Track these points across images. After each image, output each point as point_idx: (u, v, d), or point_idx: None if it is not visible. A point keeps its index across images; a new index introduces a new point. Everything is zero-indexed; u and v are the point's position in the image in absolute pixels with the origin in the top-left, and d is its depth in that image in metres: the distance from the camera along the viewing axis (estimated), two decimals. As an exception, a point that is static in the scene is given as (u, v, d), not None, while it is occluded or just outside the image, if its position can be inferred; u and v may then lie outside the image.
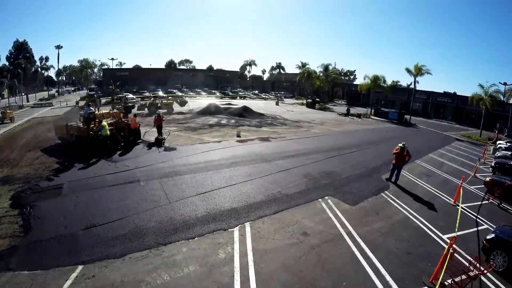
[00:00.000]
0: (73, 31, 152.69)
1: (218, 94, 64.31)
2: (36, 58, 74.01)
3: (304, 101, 58.75)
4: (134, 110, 30.37)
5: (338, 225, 8.95)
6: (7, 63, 62.79)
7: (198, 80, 78.59)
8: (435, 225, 9.53)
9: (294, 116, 37.17)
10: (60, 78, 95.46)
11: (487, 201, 12.50)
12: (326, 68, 67.65)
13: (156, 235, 7.74)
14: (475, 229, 9.72)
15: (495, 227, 9.03)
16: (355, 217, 9.66)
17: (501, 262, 7.33)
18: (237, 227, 8.46)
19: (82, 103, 36.09)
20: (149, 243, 7.36)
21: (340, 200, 10.87)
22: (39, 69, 75.51)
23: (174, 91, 61.76)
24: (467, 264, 6.79)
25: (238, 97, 61.85)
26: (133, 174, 12.02)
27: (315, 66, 78.92)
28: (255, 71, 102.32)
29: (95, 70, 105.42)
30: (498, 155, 22.41)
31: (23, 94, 56.41)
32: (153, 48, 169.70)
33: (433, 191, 12.99)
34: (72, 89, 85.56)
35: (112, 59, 76.09)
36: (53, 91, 74.99)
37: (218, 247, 7.39)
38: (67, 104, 43.99)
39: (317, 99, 56.33)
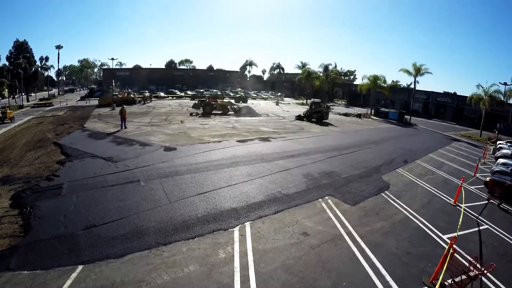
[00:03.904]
0: (73, 31, 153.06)
1: (219, 93, 64.37)
2: (36, 58, 74.21)
3: (304, 101, 58.72)
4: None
5: (338, 225, 8.95)
6: (7, 63, 62.79)
7: (198, 79, 78.73)
8: (435, 225, 9.53)
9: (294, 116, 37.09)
10: (60, 78, 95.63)
11: (487, 201, 12.49)
12: (326, 68, 67.57)
13: (156, 235, 7.74)
14: (476, 229, 9.71)
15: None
16: (355, 217, 9.66)
17: None
18: (237, 227, 8.46)
19: None
20: (149, 243, 7.36)
21: (340, 200, 10.87)
22: (39, 69, 75.60)
23: (175, 91, 61.76)
24: (467, 264, 6.78)
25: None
26: (133, 174, 12.02)
27: (315, 66, 78.98)
28: (255, 71, 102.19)
29: (95, 70, 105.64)
30: (498, 155, 22.37)
31: (23, 94, 56.43)
32: (153, 48, 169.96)
33: (433, 191, 12.98)
34: (66, 89, 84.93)
35: (112, 59, 75.54)
36: (53, 90, 75.09)
37: (218, 247, 7.39)
38: (67, 104, 43.97)
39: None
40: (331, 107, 55.48)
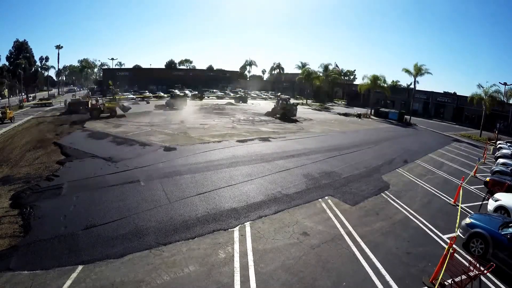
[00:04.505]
0: (73, 31, 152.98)
1: (219, 93, 64.49)
2: (36, 58, 74.13)
3: (304, 101, 58.71)
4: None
5: (338, 225, 8.95)
6: (7, 63, 62.81)
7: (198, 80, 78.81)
8: (435, 225, 9.53)
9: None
10: (60, 78, 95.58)
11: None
12: (326, 68, 67.53)
13: (156, 235, 7.74)
14: (475, 229, 9.70)
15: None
16: (355, 217, 9.66)
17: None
18: (237, 227, 8.46)
19: None
20: (149, 243, 7.36)
21: (340, 200, 10.87)
22: (39, 69, 75.58)
23: (175, 90, 61.69)
24: (467, 264, 6.78)
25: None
26: (133, 174, 12.01)
27: (315, 66, 78.97)
28: (255, 71, 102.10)
29: (95, 70, 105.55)
30: (498, 155, 22.38)
31: (23, 94, 56.44)
32: (153, 48, 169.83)
33: (433, 191, 12.98)
34: (66, 89, 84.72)
35: (112, 59, 75.94)
36: (53, 91, 75.09)
37: (218, 247, 7.39)
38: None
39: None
40: (330, 106, 55.63)
